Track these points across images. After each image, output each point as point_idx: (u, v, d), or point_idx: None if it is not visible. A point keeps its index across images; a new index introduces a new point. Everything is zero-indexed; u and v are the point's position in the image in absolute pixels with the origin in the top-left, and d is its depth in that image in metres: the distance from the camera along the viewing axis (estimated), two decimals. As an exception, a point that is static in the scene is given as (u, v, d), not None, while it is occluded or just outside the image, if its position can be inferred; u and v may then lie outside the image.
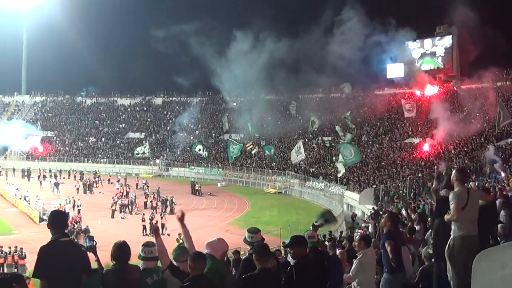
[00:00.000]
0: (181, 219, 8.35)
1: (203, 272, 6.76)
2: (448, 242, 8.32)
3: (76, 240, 33.57)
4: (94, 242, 7.82)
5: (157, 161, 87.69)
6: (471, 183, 35.93)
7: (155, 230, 8.19)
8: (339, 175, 58.71)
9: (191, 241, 8.22)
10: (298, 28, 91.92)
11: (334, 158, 59.85)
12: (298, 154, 68.08)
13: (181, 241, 9.11)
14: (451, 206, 8.29)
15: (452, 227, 8.36)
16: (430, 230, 11.03)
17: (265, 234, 8.47)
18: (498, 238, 11.42)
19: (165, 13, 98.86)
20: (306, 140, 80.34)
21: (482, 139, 53.23)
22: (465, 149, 52.46)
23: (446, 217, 8.46)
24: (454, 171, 8.91)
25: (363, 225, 37.88)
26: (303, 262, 8.23)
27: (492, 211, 11.05)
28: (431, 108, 65.87)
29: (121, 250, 7.27)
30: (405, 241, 11.37)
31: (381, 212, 37.20)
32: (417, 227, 14.60)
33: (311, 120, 77.67)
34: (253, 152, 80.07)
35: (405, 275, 10.07)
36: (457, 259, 8.09)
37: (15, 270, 31.88)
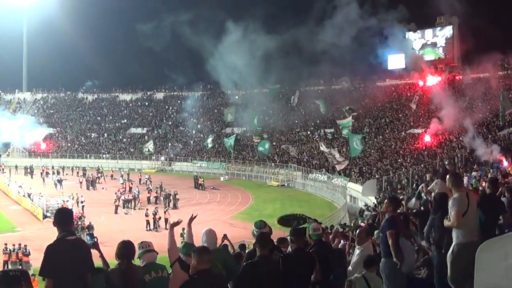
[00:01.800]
0: (191, 220, 8.76)
1: (209, 266, 6.77)
2: (452, 248, 8.32)
3: (81, 236, 33.63)
4: (95, 239, 7.83)
5: (162, 158, 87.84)
6: (473, 173, 36.08)
7: (172, 225, 8.29)
8: (342, 167, 58.39)
9: (192, 238, 8.41)
10: (299, 20, 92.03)
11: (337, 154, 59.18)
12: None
13: (184, 235, 9.23)
14: (452, 213, 8.28)
15: (454, 233, 8.36)
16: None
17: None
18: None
19: (163, 6, 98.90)
20: (308, 132, 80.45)
21: (484, 128, 53.18)
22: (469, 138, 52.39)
23: (446, 223, 8.46)
24: (448, 177, 8.91)
25: (365, 213, 37.92)
26: (294, 254, 8.34)
27: (497, 201, 10.99)
28: (433, 98, 65.82)
29: (126, 249, 7.26)
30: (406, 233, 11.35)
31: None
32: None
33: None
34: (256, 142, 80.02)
35: (403, 263, 10.03)
36: (459, 266, 8.10)
37: (20, 267, 31.92)
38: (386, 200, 10.75)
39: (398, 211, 10.59)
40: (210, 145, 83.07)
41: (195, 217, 8.93)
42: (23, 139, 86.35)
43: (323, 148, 61.52)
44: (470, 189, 10.97)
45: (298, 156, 71.76)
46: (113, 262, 7.47)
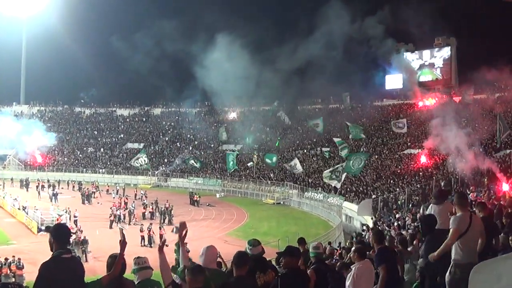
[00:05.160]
0: (183, 239, 8.42)
1: (202, 285, 6.73)
2: (449, 269, 8.31)
3: (75, 252, 33.47)
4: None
5: (156, 172, 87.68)
6: (470, 194, 36.00)
7: (160, 248, 8.15)
8: (338, 186, 58.49)
9: (187, 259, 8.25)
10: (296, 40, 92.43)
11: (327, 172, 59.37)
12: (293, 169, 68.59)
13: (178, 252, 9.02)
14: (450, 230, 8.31)
15: (453, 253, 8.35)
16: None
17: (263, 245, 8.46)
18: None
19: (162, 23, 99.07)
20: (305, 150, 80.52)
21: (481, 149, 53.26)
22: (464, 160, 52.44)
23: (445, 243, 8.47)
24: (455, 196, 8.94)
25: (362, 233, 37.87)
26: (291, 274, 8.26)
27: (490, 223, 11.01)
28: (430, 119, 65.98)
29: None
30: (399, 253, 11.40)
31: (379, 223, 37.25)
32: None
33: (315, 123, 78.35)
34: (249, 164, 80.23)
35: None
36: (457, 286, 8.08)
37: (13, 280, 31.80)
38: (371, 235, 10.79)
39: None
40: (196, 165, 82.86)
41: (185, 235, 8.66)
42: (26, 144, 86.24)
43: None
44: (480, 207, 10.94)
45: (303, 170, 71.51)
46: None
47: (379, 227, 34.04)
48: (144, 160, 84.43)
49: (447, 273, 8.33)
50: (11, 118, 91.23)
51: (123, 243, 7.33)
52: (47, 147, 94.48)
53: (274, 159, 74.44)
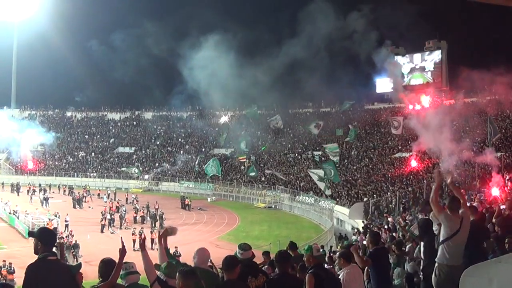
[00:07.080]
0: (160, 237, 8.55)
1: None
2: (434, 270, 8.36)
3: (66, 255, 33.37)
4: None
5: (146, 176, 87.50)
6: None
7: (141, 245, 8.24)
8: (327, 193, 58.48)
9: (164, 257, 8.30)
10: (287, 42, 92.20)
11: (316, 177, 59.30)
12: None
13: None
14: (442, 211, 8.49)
15: (438, 253, 8.39)
16: (417, 247, 11.13)
17: (255, 249, 8.46)
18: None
19: (153, 28, 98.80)
20: (296, 154, 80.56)
21: (472, 153, 53.36)
22: (454, 163, 52.51)
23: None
24: (447, 199, 8.99)
25: (353, 238, 37.88)
26: (281, 278, 8.27)
27: (481, 227, 11.07)
28: (421, 122, 65.97)
29: (108, 267, 7.24)
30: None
31: (370, 226, 37.29)
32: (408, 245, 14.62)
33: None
34: (245, 163, 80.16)
35: None
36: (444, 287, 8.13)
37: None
38: (367, 236, 10.91)
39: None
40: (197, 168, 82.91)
41: (163, 234, 8.74)
42: (20, 146, 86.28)
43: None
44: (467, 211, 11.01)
45: (286, 178, 71.74)
46: (95, 281, 7.44)
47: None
48: (135, 171, 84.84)
49: (433, 275, 8.38)
50: (2, 121, 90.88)
51: (122, 251, 7.37)
52: (39, 151, 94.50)
53: (254, 172, 74.77)
